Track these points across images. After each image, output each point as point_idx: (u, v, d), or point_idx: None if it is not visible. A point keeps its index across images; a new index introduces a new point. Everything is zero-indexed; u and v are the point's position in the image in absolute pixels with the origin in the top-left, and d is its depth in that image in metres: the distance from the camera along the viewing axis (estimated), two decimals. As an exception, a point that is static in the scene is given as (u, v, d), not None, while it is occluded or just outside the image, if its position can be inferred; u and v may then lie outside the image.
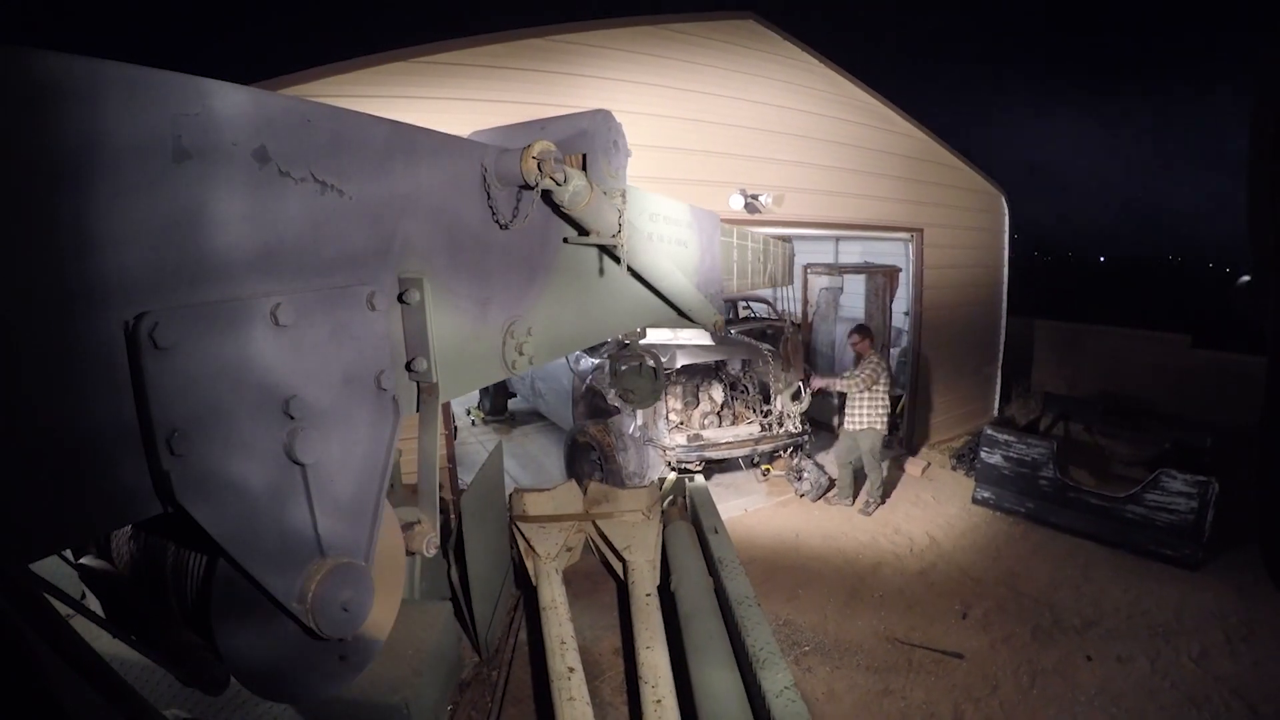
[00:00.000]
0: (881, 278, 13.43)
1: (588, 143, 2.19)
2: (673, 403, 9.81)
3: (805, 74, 9.85)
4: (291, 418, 1.22)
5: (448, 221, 1.72)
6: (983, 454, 9.74)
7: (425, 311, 1.58)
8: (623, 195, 2.31)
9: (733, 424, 10.25)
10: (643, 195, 2.79)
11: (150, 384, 1.01)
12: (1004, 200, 13.26)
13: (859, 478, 9.98)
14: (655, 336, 3.99)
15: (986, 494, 9.74)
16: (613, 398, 9.39)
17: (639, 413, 9.31)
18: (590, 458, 9.56)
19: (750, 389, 10.51)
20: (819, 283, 14.94)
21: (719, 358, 10.01)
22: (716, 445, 9.80)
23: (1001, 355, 13.85)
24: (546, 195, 1.95)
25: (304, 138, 1.29)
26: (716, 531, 6.13)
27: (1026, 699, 5.87)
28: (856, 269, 13.03)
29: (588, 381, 9.74)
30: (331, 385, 1.32)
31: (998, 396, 13.99)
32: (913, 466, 11.32)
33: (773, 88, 9.47)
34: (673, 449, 9.40)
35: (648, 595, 5.59)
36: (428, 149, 1.63)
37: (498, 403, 13.86)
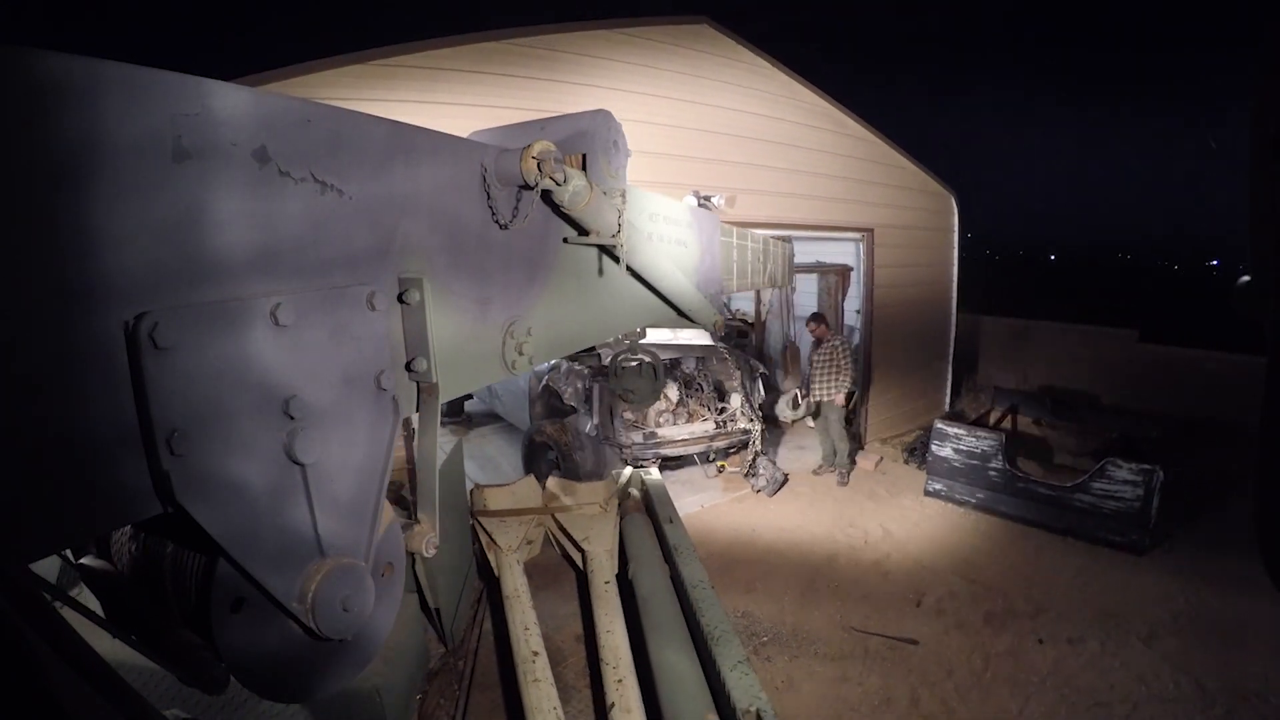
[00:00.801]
0: (834, 277, 13.59)
1: (587, 143, 2.19)
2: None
3: (758, 78, 9.96)
4: (291, 418, 1.22)
5: (447, 221, 1.71)
6: (933, 447, 9.90)
7: (425, 311, 1.57)
8: (623, 195, 2.31)
9: (688, 421, 10.33)
10: (643, 195, 2.78)
11: (150, 384, 1.01)
12: (953, 201, 13.51)
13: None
14: (655, 336, 4.05)
15: (938, 486, 9.90)
16: (569, 397, 9.48)
17: (595, 411, 9.41)
18: (548, 457, 9.56)
19: (705, 387, 10.60)
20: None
21: (674, 356, 10.09)
22: (672, 442, 9.87)
23: (952, 351, 14.10)
24: (546, 195, 1.94)
25: (304, 138, 1.29)
26: (671, 521, 6.23)
27: (980, 681, 5.99)
28: (809, 268, 13.18)
29: (544, 381, 9.77)
30: (331, 385, 1.32)
31: (949, 391, 14.24)
32: (866, 461, 11.44)
33: (726, 91, 9.56)
34: (629, 447, 9.46)
35: (606, 583, 5.68)
36: (427, 149, 1.63)
37: (454, 404, 13.65)
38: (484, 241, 1.85)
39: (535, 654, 4.83)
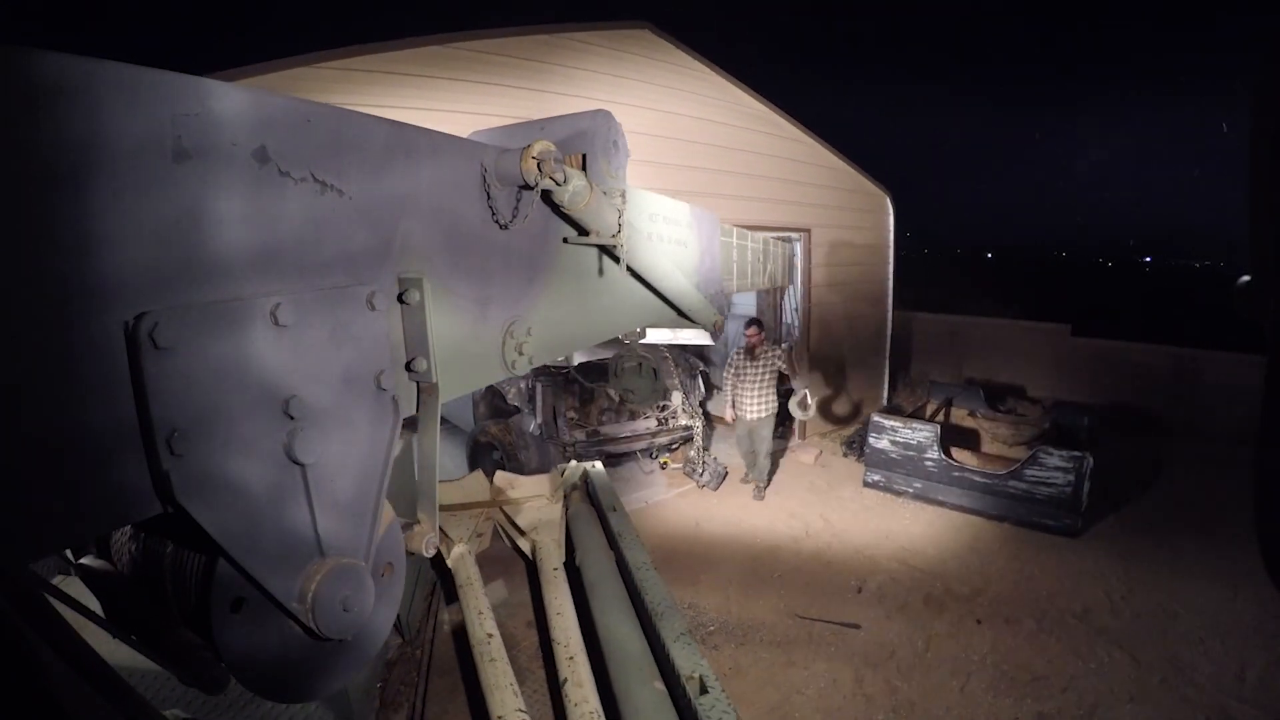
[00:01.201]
0: (772, 277, 13.79)
1: (587, 143, 2.20)
2: (570, 400, 9.97)
3: (697, 81, 10.06)
4: (291, 418, 1.22)
5: (448, 222, 1.71)
6: (871, 439, 10.09)
7: (425, 311, 1.57)
8: (622, 195, 2.31)
9: (630, 420, 10.45)
10: (642, 195, 2.79)
11: (150, 384, 1.00)
12: (889, 200, 13.80)
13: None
14: (654, 336, 4.07)
15: (876, 477, 10.11)
16: (513, 397, 9.53)
17: (538, 410, 9.49)
18: (492, 457, 9.53)
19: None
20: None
21: (615, 353, 10.19)
22: (615, 440, 9.97)
23: (889, 347, 14.39)
24: (546, 195, 1.95)
25: (304, 138, 1.29)
26: (615, 510, 6.34)
27: (922, 661, 6.14)
28: (749, 267, 13.27)
29: (488, 381, 9.81)
30: (331, 385, 1.32)
31: (886, 386, 14.52)
32: (806, 455, 11.64)
33: (665, 95, 9.65)
34: (573, 445, 9.53)
35: (555, 569, 5.77)
36: (427, 149, 1.62)
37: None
38: (484, 241, 1.86)
39: (490, 636, 4.92)
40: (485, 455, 9.67)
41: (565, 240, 2.22)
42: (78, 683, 1.14)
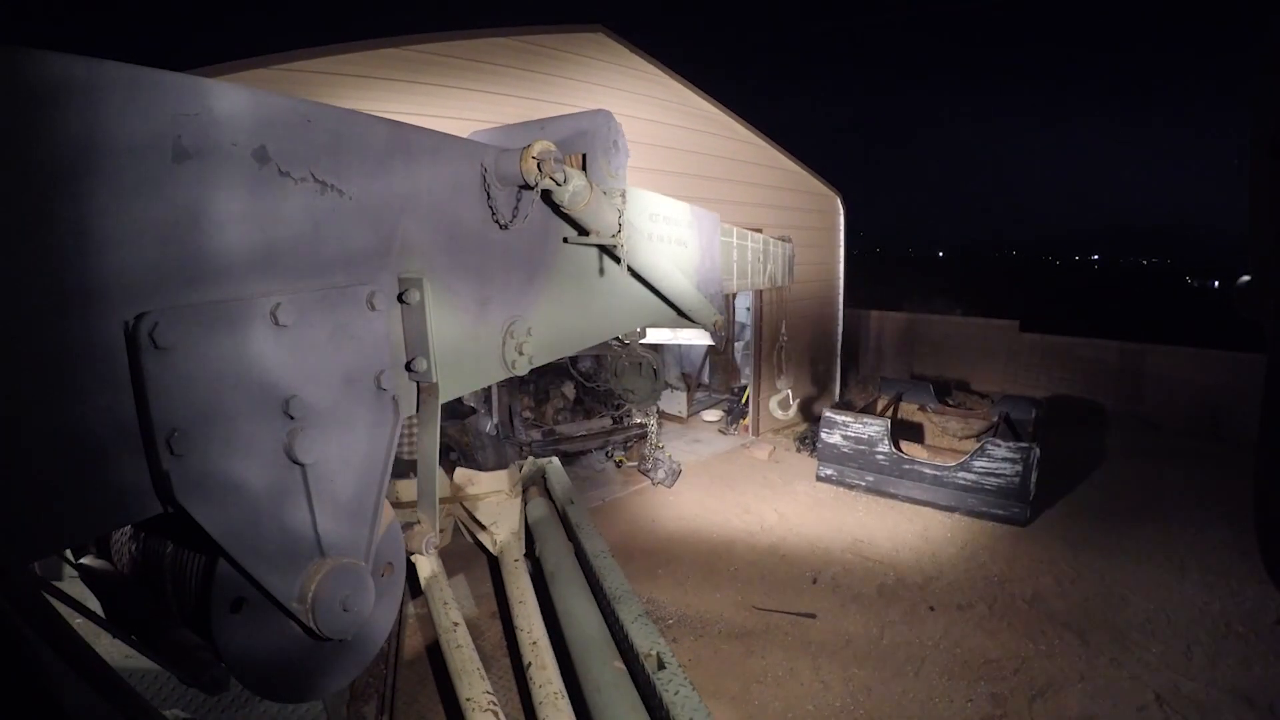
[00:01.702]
0: (725, 277, 13.88)
1: (587, 143, 2.20)
2: (526, 400, 9.97)
3: (651, 84, 10.10)
4: (291, 418, 1.22)
5: (448, 221, 1.70)
6: (823, 435, 10.20)
7: (425, 311, 1.57)
8: (622, 195, 2.29)
9: (585, 418, 10.48)
10: (643, 195, 2.77)
11: (150, 384, 1.00)
12: (839, 201, 13.97)
13: None
14: (654, 336, 4.05)
15: (829, 471, 10.22)
16: (469, 397, 9.49)
17: (495, 411, 9.47)
18: (449, 458, 9.55)
19: (601, 385, 10.77)
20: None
21: (570, 354, 10.18)
22: (571, 439, 10.00)
23: (840, 345, 14.57)
24: (546, 195, 1.94)
25: (304, 138, 1.28)
26: (573, 503, 6.38)
27: (877, 648, 6.23)
28: (700, 270, 13.33)
29: (443, 383, 9.78)
30: (331, 385, 1.32)
31: (838, 383, 14.70)
32: (760, 451, 11.71)
33: (620, 98, 9.63)
34: (529, 444, 9.54)
35: (516, 560, 5.82)
36: (427, 149, 1.62)
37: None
38: (484, 241, 1.85)
39: (455, 624, 4.99)
40: (442, 456, 9.59)
41: (565, 240, 2.20)
42: (78, 683, 1.15)
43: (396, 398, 1.48)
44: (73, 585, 1.65)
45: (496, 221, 1.85)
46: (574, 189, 1.94)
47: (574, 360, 10.48)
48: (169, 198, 1.04)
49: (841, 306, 14.44)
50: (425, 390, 1.65)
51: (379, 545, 1.45)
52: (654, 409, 10.50)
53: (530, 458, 8.42)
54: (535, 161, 1.77)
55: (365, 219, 1.44)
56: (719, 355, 14.41)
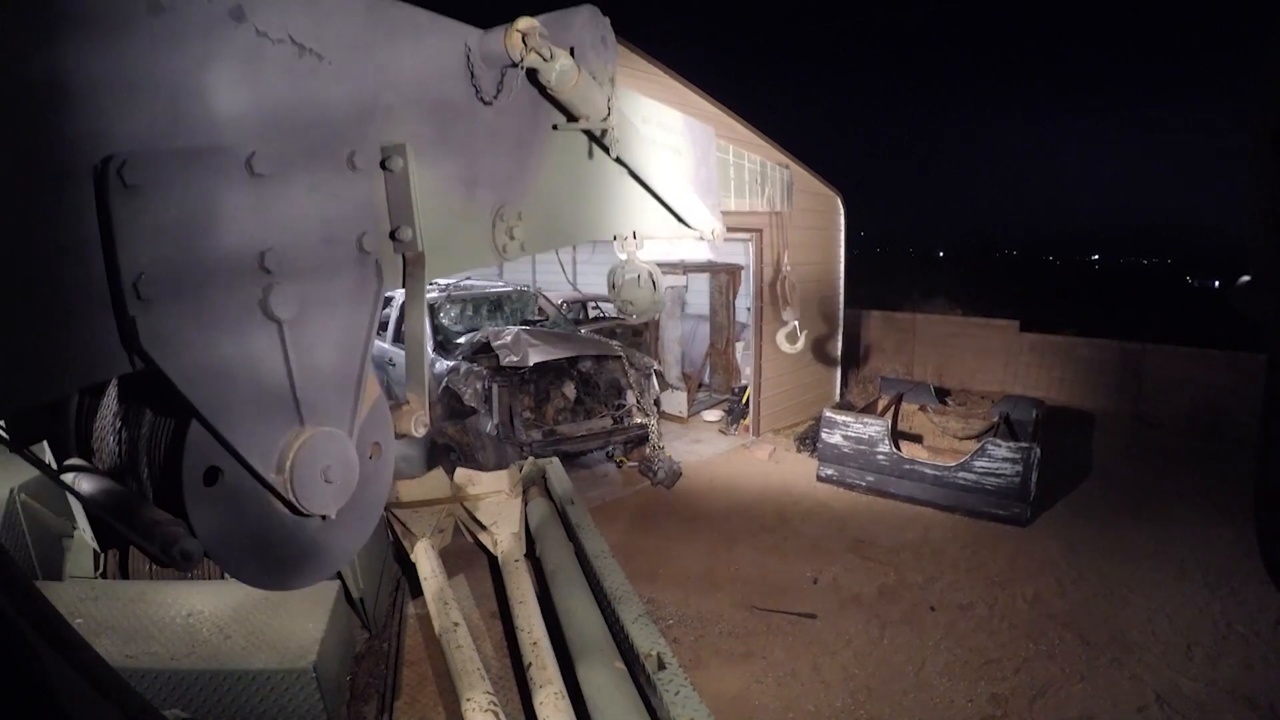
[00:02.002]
0: (725, 276, 13.85)
1: (574, 37, 2.09)
2: (527, 400, 9.96)
3: (646, 82, 9.95)
4: (268, 271, 1.18)
5: (431, 95, 1.67)
6: (823, 435, 10.20)
7: (409, 179, 1.51)
8: (612, 81, 2.24)
9: (586, 419, 10.47)
10: (634, 98, 2.74)
11: (117, 224, 0.97)
12: (839, 200, 13.96)
13: None
14: (651, 250, 4.00)
15: (829, 471, 10.21)
16: (469, 398, 9.47)
17: (495, 411, 9.44)
18: (449, 458, 9.51)
19: (601, 385, 10.73)
20: (665, 282, 15.08)
21: (571, 354, 10.17)
22: (571, 439, 9.99)
23: (841, 345, 14.53)
24: (533, 75, 1.89)
25: (281, 0, 1.25)
26: (573, 502, 6.39)
27: (878, 648, 6.23)
28: (701, 268, 13.37)
29: (444, 383, 9.77)
30: (310, 242, 1.28)
31: (838, 383, 14.67)
32: (760, 450, 11.72)
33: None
34: (530, 444, 9.53)
35: (516, 561, 5.83)
36: (409, 23, 1.59)
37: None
38: (470, 119, 1.82)
39: (455, 624, 5.00)
40: (442, 457, 9.63)
41: (555, 127, 2.17)
42: (78, 683, 1.14)
43: (379, 262, 1.45)
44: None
45: (481, 98, 1.82)
46: (561, 67, 1.89)
47: (574, 361, 10.47)
48: (142, 47, 1.02)
49: (842, 306, 14.44)
50: (411, 260, 1.60)
51: (364, 422, 1.40)
52: (654, 411, 10.50)
53: (531, 458, 8.41)
54: (520, 35, 1.75)
55: (345, 85, 1.42)
56: (719, 355, 14.40)
